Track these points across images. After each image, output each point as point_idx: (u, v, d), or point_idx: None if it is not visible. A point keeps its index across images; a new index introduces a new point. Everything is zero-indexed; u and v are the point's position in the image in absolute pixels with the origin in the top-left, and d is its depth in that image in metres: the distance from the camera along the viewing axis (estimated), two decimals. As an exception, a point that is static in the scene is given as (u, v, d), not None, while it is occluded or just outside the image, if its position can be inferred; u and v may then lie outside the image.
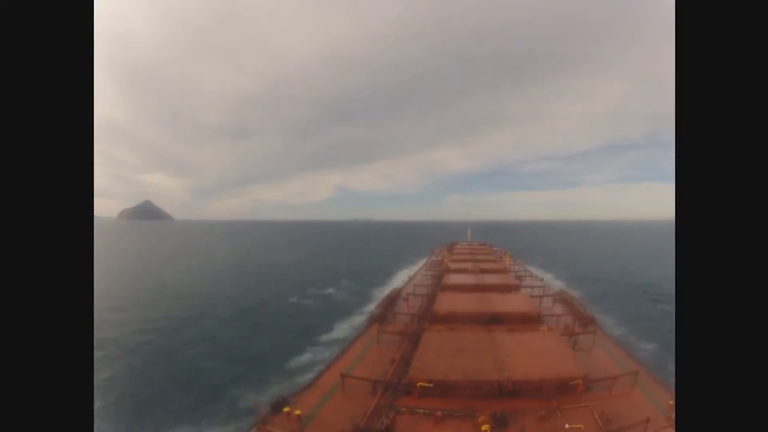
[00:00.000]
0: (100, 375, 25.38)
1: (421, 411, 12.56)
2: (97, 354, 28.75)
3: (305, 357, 28.30)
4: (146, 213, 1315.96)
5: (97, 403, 21.27)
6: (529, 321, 22.09)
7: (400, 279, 53.10)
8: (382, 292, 40.90)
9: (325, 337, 33.00)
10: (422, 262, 63.37)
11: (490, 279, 34.30)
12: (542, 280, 40.63)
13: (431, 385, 13.56)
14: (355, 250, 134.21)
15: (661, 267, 73.31)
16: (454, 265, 43.66)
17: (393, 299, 28.56)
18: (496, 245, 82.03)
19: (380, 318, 23.15)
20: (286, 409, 12.35)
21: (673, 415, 11.51)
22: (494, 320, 21.69)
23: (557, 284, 44.97)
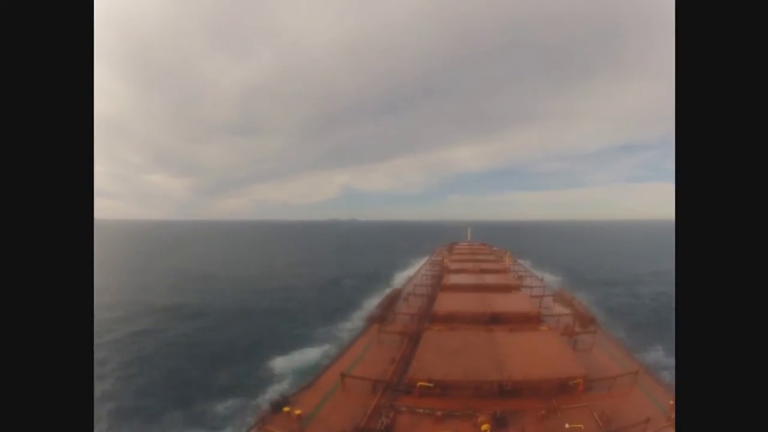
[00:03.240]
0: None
1: (421, 411, 12.57)
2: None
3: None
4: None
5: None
6: (529, 321, 22.09)
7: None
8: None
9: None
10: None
11: (490, 279, 34.29)
12: (542, 279, 40.64)
13: (431, 385, 13.57)
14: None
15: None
16: (454, 265, 43.66)
17: (393, 299, 28.57)
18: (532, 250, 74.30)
19: (380, 318, 23.17)
20: (286, 409, 12.36)
21: (673, 415, 11.52)
22: (494, 320, 21.69)
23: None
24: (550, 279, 46.99)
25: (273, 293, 54.34)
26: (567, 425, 11.50)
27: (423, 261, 61.61)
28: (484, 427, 11.19)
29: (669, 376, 16.70)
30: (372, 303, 34.53)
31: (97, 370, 25.80)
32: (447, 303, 24.79)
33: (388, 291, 34.18)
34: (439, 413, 12.22)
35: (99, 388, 24.07)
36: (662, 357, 27.81)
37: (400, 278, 53.30)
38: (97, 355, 28.46)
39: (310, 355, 28.86)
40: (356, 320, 35.73)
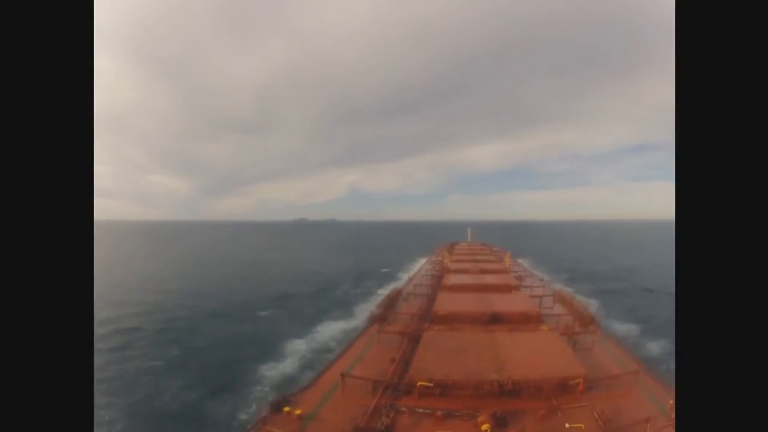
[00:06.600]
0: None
1: (421, 411, 12.57)
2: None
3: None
4: None
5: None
6: (529, 321, 22.11)
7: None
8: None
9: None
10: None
11: (490, 279, 34.32)
12: (542, 279, 40.65)
13: (431, 385, 13.58)
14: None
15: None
16: (454, 265, 43.69)
17: (393, 299, 28.59)
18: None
19: (380, 318, 23.18)
20: (286, 409, 12.37)
21: (673, 415, 11.53)
22: (494, 320, 21.71)
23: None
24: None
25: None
26: (567, 425, 11.50)
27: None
28: (484, 427, 11.20)
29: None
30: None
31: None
32: (447, 303, 24.80)
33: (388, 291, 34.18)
34: (439, 413, 12.22)
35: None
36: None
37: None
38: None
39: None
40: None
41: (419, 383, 13.60)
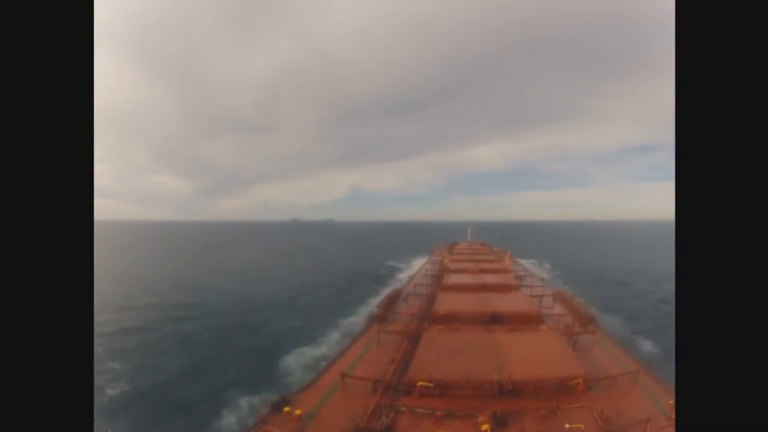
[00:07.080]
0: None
1: (421, 411, 12.57)
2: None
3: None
4: None
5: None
6: (529, 321, 22.11)
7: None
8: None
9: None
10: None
11: (490, 279, 34.32)
12: (542, 279, 40.65)
13: (431, 385, 13.58)
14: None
15: None
16: (454, 265, 43.70)
17: (393, 299, 28.58)
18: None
19: (380, 318, 23.17)
20: (286, 409, 12.37)
21: (673, 415, 11.52)
22: (494, 320, 21.72)
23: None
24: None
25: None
26: (567, 425, 11.50)
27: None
28: (484, 427, 11.20)
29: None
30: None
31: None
32: (447, 303, 24.80)
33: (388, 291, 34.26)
34: (439, 413, 12.22)
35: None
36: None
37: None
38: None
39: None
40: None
41: (419, 383, 13.60)
